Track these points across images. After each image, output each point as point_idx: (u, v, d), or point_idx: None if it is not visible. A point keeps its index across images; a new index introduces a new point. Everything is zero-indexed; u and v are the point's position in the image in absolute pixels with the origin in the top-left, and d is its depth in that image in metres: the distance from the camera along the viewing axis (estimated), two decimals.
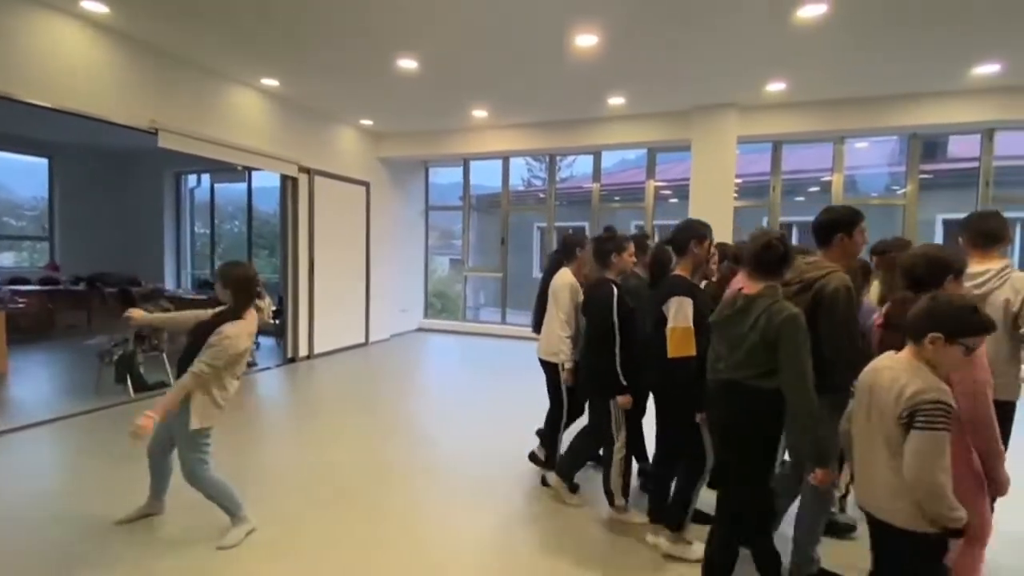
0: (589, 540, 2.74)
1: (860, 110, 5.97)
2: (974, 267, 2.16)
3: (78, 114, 4.37)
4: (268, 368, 6.44)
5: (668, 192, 9.84)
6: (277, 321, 7.10)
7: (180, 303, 6.35)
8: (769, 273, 1.98)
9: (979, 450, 1.81)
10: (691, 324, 2.38)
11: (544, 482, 3.29)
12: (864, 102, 5.93)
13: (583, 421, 3.14)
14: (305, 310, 6.89)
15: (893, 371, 1.61)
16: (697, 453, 2.50)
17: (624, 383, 2.68)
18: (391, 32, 4.47)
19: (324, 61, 5.19)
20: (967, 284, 2.16)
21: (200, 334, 2.51)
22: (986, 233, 2.23)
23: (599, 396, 2.83)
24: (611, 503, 2.91)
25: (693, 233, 2.53)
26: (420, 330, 9.52)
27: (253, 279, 2.62)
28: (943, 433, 1.48)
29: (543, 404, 3.39)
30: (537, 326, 3.40)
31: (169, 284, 9.39)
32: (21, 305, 7.25)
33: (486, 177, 10.88)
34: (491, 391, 5.71)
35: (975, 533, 1.84)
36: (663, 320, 2.45)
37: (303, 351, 6.89)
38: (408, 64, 5.16)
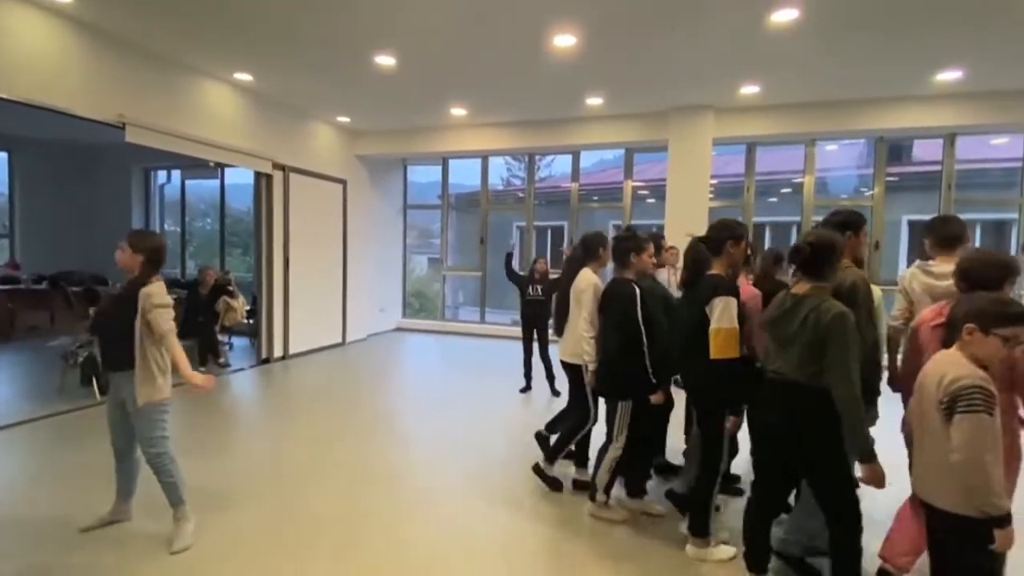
0: (578, 535, 2.76)
1: (830, 113, 6.13)
2: (941, 266, 2.35)
3: (40, 107, 4.20)
4: (242, 369, 6.31)
5: (645, 192, 9.96)
6: (251, 321, 6.96)
7: None
8: (817, 274, 2.03)
9: None
10: (736, 325, 2.35)
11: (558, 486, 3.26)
12: (834, 106, 6.10)
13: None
14: (280, 310, 6.77)
15: (938, 364, 1.71)
16: (714, 458, 2.48)
17: (654, 381, 2.67)
18: (368, 28, 4.42)
19: (300, 56, 5.10)
20: (935, 282, 2.34)
21: (121, 303, 2.47)
22: (950, 236, 2.43)
23: (618, 396, 2.80)
24: (592, 497, 2.92)
25: (730, 233, 2.50)
26: (398, 330, 9.44)
27: (163, 249, 2.59)
28: (985, 415, 1.56)
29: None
30: (560, 329, 3.33)
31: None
32: None
33: (465, 176, 10.84)
34: (472, 391, 5.69)
35: None
36: (702, 320, 2.40)
37: (278, 352, 6.77)
38: (386, 61, 5.11)
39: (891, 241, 8.35)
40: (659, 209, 6.98)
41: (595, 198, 10.97)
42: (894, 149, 7.39)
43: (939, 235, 2.46)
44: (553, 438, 3.38)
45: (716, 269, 2.51)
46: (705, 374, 2.43)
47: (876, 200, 6.69)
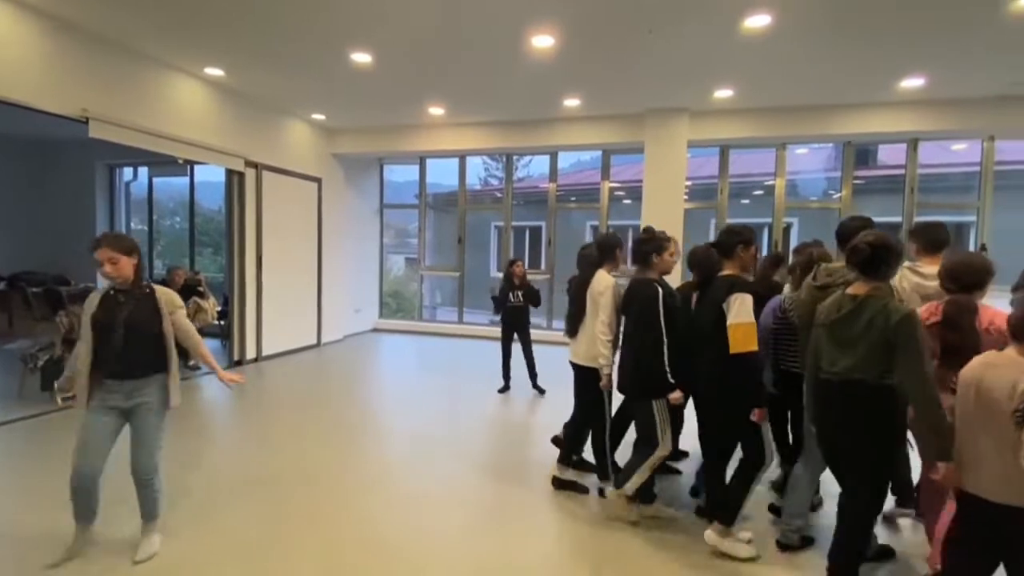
0: (559, 537, 2.77)
1: (800, 118, 6.30)
2: (927, 268, 2.53)
3: None
4: (213, 372, 6.13)
5: (622, 193, 10.07)
6: (222, 322, 6.79)
7: None
8: (876, 274, 2.07)
9: None
10: (754, 320, 2.40)
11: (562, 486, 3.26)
12: (804, 110, 6.26)
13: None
14: (253, 311, 6.62)
15: (1004, 369, 1.71)
16: (758, 453, 2.51)
17: (672, 380, 2.67)
18: (344, 24, 4.35)
19: (273, 51, 5.00)
20: (925, 282, 2.50)
21: (144, 308, 2.47)
22: (935, 241, 2.63)
23: (645, 397, 2.76)
24: (618, 484, 2.85)
25: (741, 238, 2.58)
26: (375, 330, 9.34)
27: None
28: None
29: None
30: (572, 331, 3.30)
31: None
32: None
33: (442, 175, 10.80)
34: (450, 391, 5.66)
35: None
36: (718, 319, 2.45)
37: (251, 353, 6.62)
38: (362, 58, 5.04)
39: None
40: (635, 210, 7.06)
41: (573, 199, 11.04)
42: (861, 153, 7.62)
43: (927, 239, 2.63)
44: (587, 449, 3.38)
45: (727, 271, 2.59)
46: (719, 371, 2.49)
47: (844, 202, 6.89)
